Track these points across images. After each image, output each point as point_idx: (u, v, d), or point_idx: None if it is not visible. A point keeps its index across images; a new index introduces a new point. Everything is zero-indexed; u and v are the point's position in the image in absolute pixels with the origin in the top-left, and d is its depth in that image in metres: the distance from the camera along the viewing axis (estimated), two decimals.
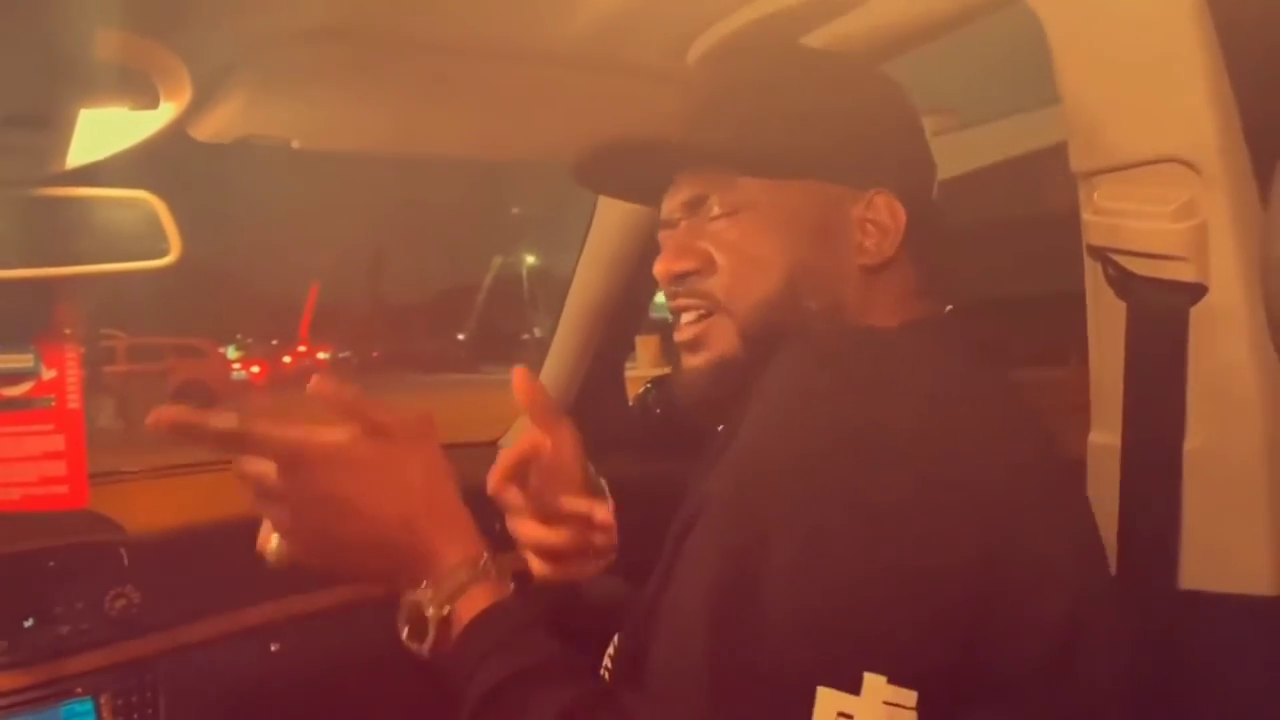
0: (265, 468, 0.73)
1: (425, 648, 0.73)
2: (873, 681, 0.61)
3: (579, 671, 0.73)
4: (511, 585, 0.76)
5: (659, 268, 0.91)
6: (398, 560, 0.75)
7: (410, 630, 0.74)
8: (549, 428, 0.95)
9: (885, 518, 0.64)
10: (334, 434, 0.73)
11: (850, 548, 0.64)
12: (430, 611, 0.73)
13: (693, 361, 0.91)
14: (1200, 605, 0.88)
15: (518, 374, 0.93)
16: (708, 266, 0.89)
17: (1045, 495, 0.70)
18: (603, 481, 1.04)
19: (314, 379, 0.74)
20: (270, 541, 0.79)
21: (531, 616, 0.74)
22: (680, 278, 0.90)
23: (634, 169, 0.96)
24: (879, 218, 0.87)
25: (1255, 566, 0.86)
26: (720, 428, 0.94)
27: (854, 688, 0.61)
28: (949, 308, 0.90)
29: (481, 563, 0.75)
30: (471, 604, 0.73)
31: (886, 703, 0.61)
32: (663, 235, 0.95)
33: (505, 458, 0.95)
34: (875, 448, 0.66)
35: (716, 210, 0.89)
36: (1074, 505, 0.73)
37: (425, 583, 0.74)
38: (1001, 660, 0.65)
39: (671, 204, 0.93)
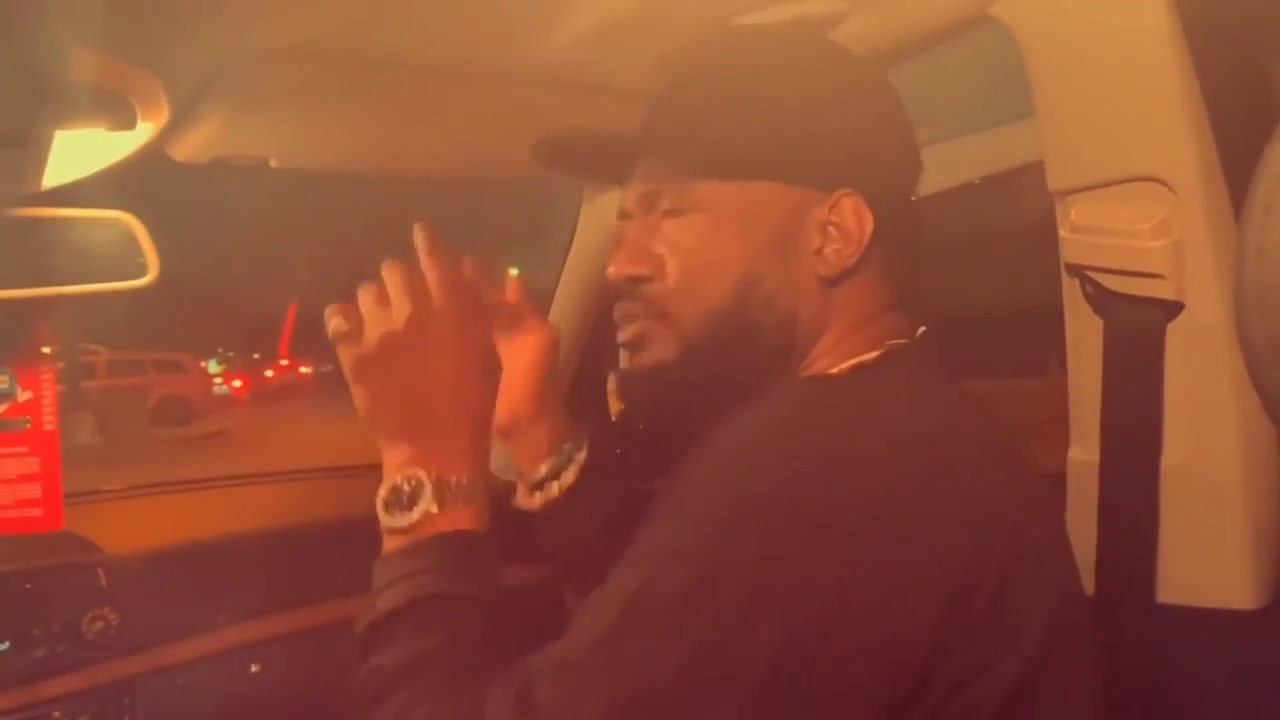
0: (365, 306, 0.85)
1: (401, 522, 0.78)
2: None
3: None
4: (486, 519, 0.80)
5: (612, 269, 0.87)
6: (425, 428, 0.81)
7: (387, 503, 0.79)
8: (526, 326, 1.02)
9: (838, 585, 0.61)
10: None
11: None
12: (418, 509, 0.78)
13: (634, 361, 0.88)
14: (1177, 620, 0.89)
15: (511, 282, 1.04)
16: (658, 273, 0.84)
17: (1020, 539, 0.67)
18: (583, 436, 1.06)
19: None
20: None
21: (494, 552, 0.79)
22: (632, 281, 0.86)
23: (588, 152, 0.95)
24: (843, 221, 0.80)
25: (1232, 581, 0.87)
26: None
27: None
28: (921, 329, 0.84)
29: (475, 485, 0.80)
30: (451, 519, 0.78)
31: None
32: (620, 227, 0.90)
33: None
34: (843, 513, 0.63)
35: (667, 206, 0.84)
36: (1048, 540, 0.72)
37: (426, 474, 0.79)
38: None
39: (629, 197, 0.89)
